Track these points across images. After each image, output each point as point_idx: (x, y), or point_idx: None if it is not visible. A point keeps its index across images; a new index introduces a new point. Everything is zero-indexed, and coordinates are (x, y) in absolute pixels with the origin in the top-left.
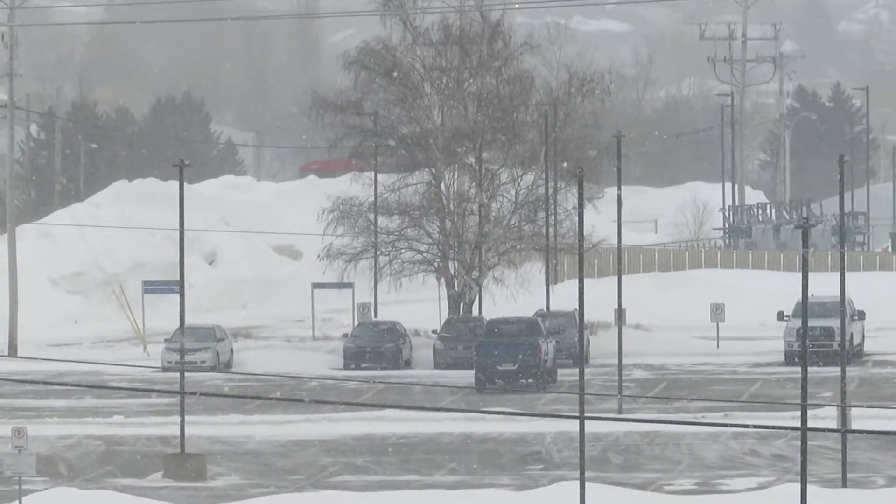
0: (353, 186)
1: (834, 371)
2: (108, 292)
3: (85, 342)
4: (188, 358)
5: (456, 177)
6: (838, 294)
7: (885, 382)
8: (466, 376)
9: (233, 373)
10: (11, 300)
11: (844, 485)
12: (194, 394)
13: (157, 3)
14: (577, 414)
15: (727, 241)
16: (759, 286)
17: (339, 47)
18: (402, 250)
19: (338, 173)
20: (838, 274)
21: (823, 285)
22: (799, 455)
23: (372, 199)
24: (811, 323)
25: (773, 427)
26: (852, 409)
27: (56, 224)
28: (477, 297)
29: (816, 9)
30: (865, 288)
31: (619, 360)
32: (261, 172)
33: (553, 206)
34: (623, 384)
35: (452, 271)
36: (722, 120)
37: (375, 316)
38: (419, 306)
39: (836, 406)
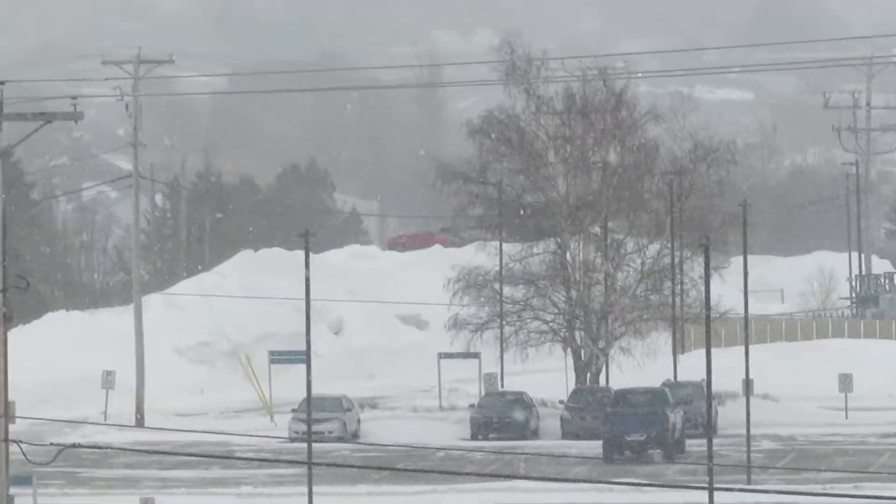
0: (479, 256)
1: None
2: (235, 362)
3: (211, 412)
4: (315, 428)
5: (581, 246)
6: None
7: None
8: (594, 446)
9: (360, 443)
10: (138, 370)
11: None
12: (322, 464)
13: (279, 72)
14: (706, 485)
15: (854, 311)
16: (888, 356)
17: (463, 115)
18: (528, 320)
19: (414, 246)
20: None
21: None
22: None
23: (497, 268)
24: None
25: None
26: None
27: (182, 294)
28: (604, 367)
29: None
30: None
31: (748, 430)
32: (385, 241)
33: (679, 276)
34: (751, 455)
35: (579, 341)
36: (847, 189)
37: (502, 386)
38: (545, 376)
39: None
